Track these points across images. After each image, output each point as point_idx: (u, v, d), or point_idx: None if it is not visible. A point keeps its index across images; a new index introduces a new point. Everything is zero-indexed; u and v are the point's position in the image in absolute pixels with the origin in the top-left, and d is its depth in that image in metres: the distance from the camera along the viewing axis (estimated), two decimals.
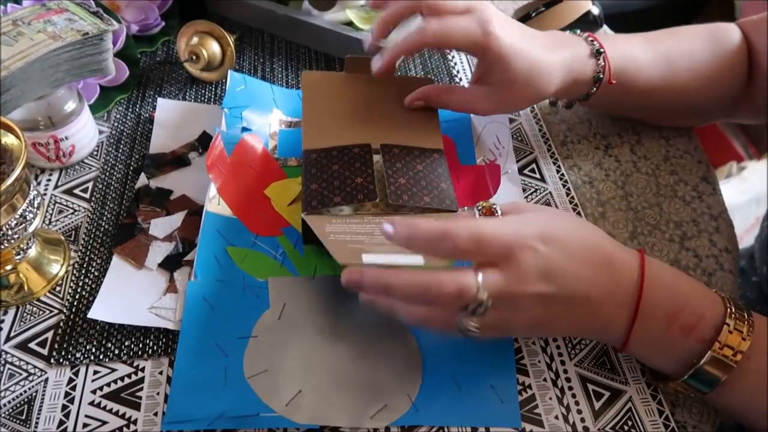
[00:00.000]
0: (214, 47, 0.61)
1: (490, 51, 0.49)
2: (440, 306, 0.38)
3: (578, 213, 0.55)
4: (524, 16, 0.71)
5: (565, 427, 0.42)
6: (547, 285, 0.38)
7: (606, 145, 0.62)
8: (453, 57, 0.69)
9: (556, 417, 0.42)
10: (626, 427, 0.42)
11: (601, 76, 0.53)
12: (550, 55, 0.51)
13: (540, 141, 0.61)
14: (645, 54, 0.56)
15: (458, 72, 0.68)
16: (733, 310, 0.40)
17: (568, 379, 0.44)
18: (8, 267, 0.44)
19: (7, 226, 0.41)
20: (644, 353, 0.42)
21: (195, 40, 0.61)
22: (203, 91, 0.63)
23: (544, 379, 0.44)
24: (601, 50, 0.53)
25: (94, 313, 0.44)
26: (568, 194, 0.57)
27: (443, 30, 0.49)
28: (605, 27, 0.71)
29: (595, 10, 0.70)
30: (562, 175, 0.58)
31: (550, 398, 0.43)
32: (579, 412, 0.43)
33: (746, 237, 1.17)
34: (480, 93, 0.53)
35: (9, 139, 0.42)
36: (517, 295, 0.38)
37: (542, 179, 0.58)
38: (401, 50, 0.51)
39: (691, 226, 0.55)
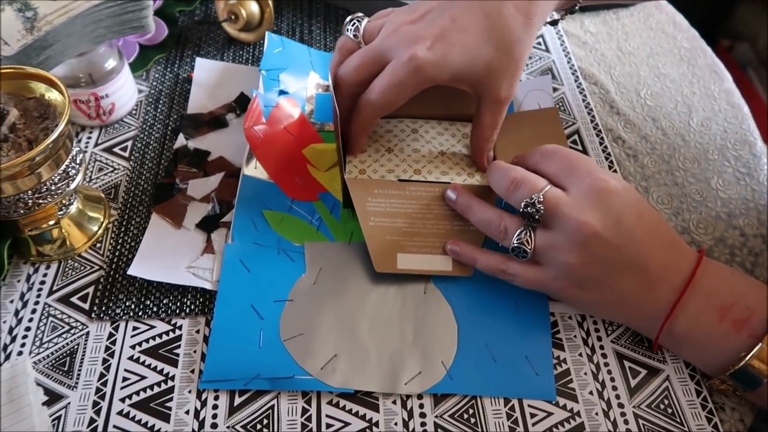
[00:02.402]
0: (253, 7, 0.60)
1: (439, 79, 0.43)
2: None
3: None
4: None
5: (599, 403, 0.41)
6: (609, 231, 0.39)
7: (653, 118, 0.60)
8: None
9: (591, 392, 0.42)
10: (662, 406, 0.41)
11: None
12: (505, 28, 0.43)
13: (583, 111, 0.59)
14: None
15: None
16: None
17: (604, 355, 0.43)
18: (51, 222, 0.45)
19: (51, 182, 0.41)
20: (692, 347, 0.41)
21: None
22: (241, 52, 0.62)
23: (580, 354, 0.43)
24: None
25: (133, 270, 0.44)
26: (610, 167, 0.55)
27: (373, 95, 0.43)
28: None
29: None
30: (605, 147, 0.56)
31: (585, 373, 0.42)
32: (614, 388, 0.42)
33: None
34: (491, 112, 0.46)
35: (53, 95, 0.42)
36: (572, 217, 0.39)
37: (584, 152, 0.56)
38: (359, 133, 0.46)
39: (739, 203, 0.53)
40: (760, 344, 0.38)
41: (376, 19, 0.48)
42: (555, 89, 0.61)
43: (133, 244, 0.47)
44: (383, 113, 0.45)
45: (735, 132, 0.59)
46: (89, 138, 0.54)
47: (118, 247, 0.47)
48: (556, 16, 0.54)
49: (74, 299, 0.44)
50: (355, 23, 0.47)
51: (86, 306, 0.44)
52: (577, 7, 0.52)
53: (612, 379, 0.42)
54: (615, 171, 0.55)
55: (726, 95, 0.63)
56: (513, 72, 0.44)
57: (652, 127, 0.59)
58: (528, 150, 0.46)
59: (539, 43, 0.66)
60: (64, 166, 0.41)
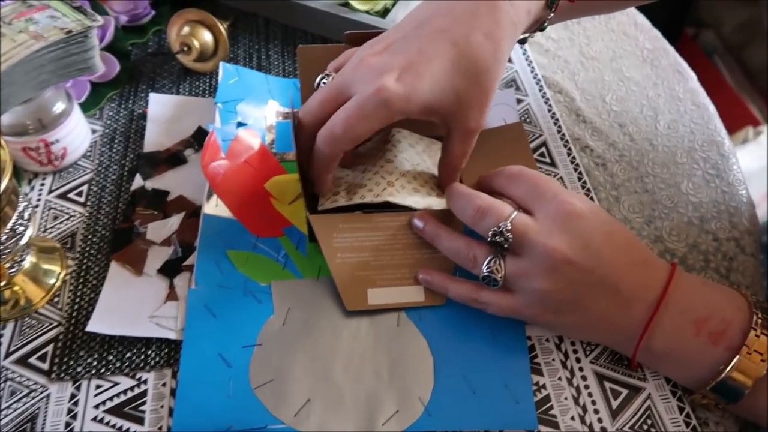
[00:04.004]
0: (206, 36, 0.59)
1: (408, 112, 0.41)
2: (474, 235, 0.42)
3: (591, 198, 0.53)
4: None
5: (581, 428, 0.40)
6: (579, 254, 0.38)
7: (620, 123, 0.59)
8: None
9: (572, 418, 0.41)
10: (645, 426, 0.41)
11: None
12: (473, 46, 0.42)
13: (549, 122, 0.59)
14: None
15: None
16: (760, 314, 0.38)
17: (584, 377, 0.43)
18: (1, 283, 0.43)
19: None
20: (670, 363, 0.41)
21: (186, 30, 0.58)
22: (197, 83, 0.60)
23: (559, 378, 0.42)
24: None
25: (93, 326, 0.42)
26: (580, 179, 0.54)
27: (337, 128, 0.41)
28: None
29: None
30: (573, 158, 0.56)
31: (566, 398, 0.42)
32: (596, 411, 0.41)
33: (762, 203, 1.14)
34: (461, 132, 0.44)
35: None
36: (540, 244, 0.38)
37: (552, 163, 0.55)
38: (323, 171, 0.44)
39: (710, 207, 0.53)
40: (737, 356, 0.37)
41: (343, 64, 0.46)
42: (520, 101, 0.60)
43: (92, 295, 0.45)
44: (347, 148, 0.43)
45: (702, 133, 0.59)
46: (42, 185, 0.52)
47: (77, 300, 0.45)
48: (523, 36, 0.53)
49: (33, 360, 0.42)
50: (326, 80, 0.46)
51: (45, 366, 0.42)
52: (545, 24, 0.50)
53: (593, 402, 0.41)
54: (584, 182, 0.54)
55: (691, 95, 0.62)
56: (483, 102, 0.43)
57: (620, 134, 0.58)
58: (494, 167, 0.45)
59: None
60: (10, 224, 0.40)
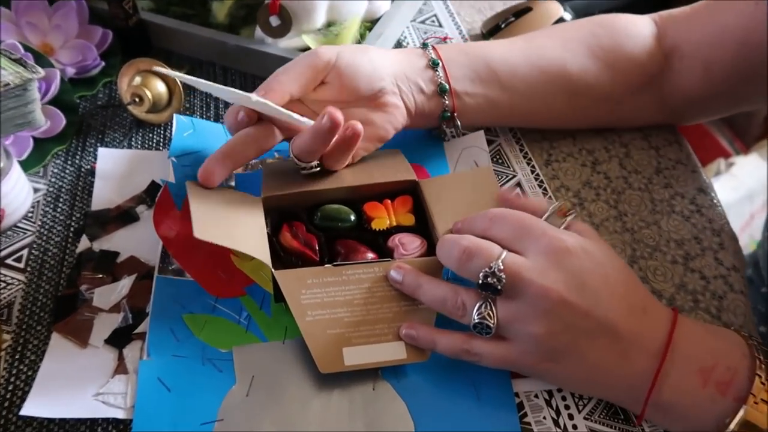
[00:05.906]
0: (159, 87, 0.56)
1: (330, 62, 0.46)
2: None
3: None
4: (493, 28, 0.67)
5: None
6: (575, 294, 0.36)
7: (593, 161, 0.57)
8: None
9: None
10: None
11: (447, 86, 0.50)
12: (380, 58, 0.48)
13: (522, 162, 0.57)
14: (504, 47, 0.53)
15: None
16: (762, 359, 0.36)
17: None
18: None
19: None
20: (676, 417, 0.37)
21: (137, 80, 0.55)
22: (151, 135, 0.57)
23: None
24: (438, 62, 0.50)
25: (28, 409, 0.38)
26: None
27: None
28: None
29: (567, 16, 0.66)
30: (550, 197, 0.53)
31: None
32: None
33: (742, 235, 1.14)
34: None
35: None
36: (534, 284, 0.36)
37: None
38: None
39: (694, 244, 0.51)
40: (744, 407, 0.35)
41: None
42: (491, 141, 0.58)
43: (29, 372, 0.40)
44: (279, 89, 0.46)
45: (677, 167, 0.57)
46: None
47: (12, 379, 0.40)
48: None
49: None
50: None
51: None
52: (447, 110, 0.51)
53: None
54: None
55: (664, 130, 0.61)
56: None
57: (593, 172, 0.56)
58: (464, 212, 0.43)
59: None
60: None
